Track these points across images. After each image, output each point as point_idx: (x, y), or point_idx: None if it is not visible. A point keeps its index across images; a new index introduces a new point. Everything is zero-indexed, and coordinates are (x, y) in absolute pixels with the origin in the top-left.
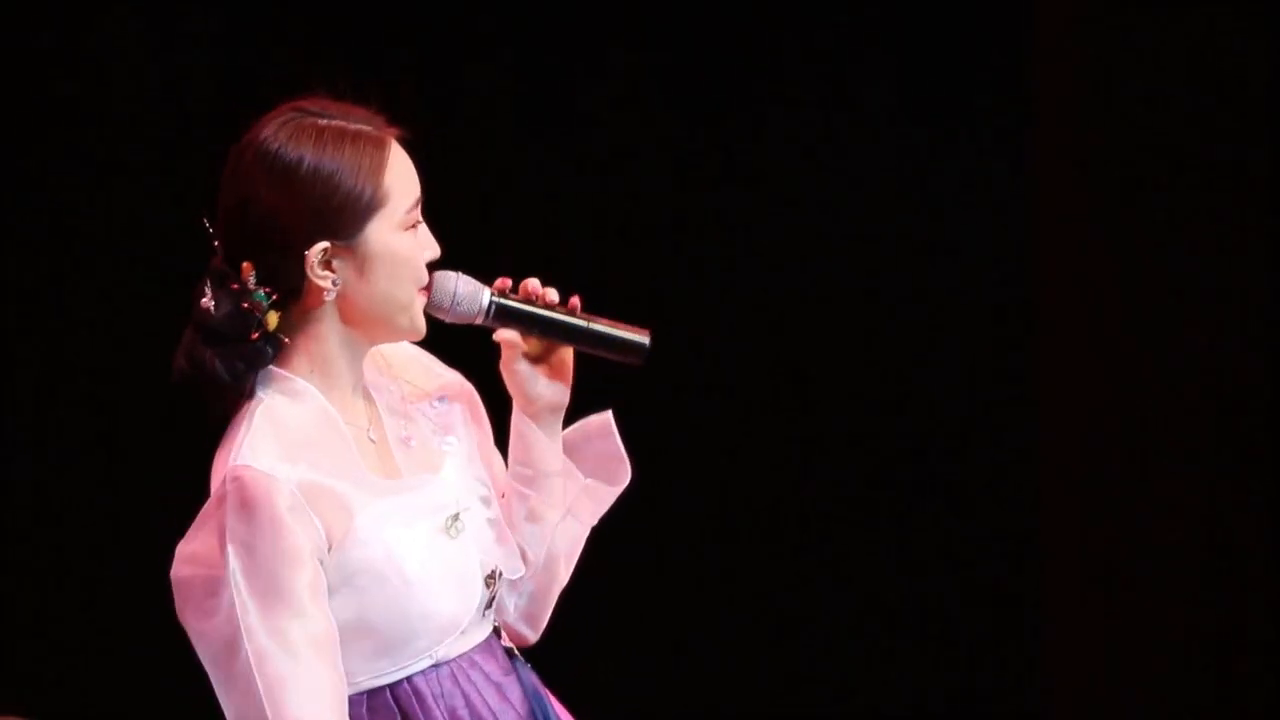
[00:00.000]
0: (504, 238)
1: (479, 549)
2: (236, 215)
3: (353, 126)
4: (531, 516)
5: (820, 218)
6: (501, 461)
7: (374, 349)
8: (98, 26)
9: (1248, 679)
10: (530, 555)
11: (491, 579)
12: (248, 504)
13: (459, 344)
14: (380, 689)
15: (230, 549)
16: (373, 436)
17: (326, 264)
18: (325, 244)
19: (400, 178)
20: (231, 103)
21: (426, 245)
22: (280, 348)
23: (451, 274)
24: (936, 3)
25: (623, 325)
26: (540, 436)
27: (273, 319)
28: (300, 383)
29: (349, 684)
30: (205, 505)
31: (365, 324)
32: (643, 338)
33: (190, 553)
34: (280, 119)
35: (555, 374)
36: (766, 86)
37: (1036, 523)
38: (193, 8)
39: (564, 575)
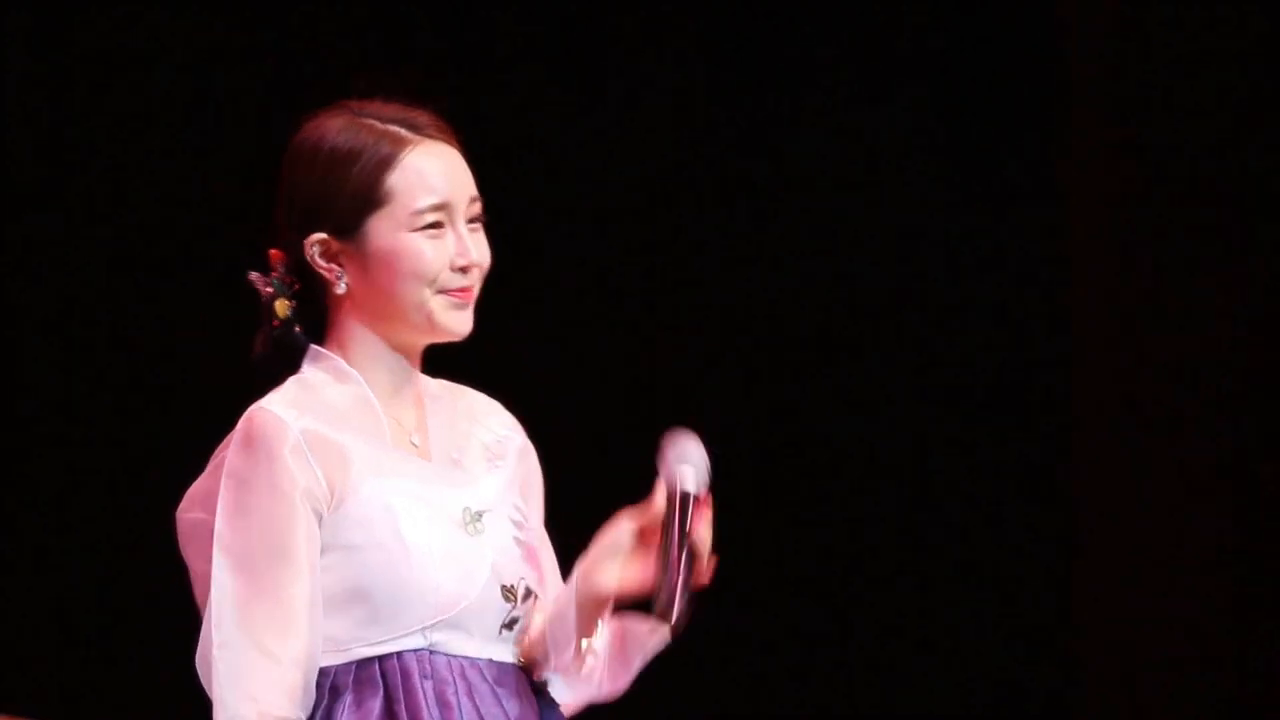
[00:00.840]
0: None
1: (499, 555)
2: (276, 202)
3: (381, 125)
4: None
5: (847, 215)
6: (542, 531)
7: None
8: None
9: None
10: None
11: (511, 593)
12: (251, 440)
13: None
14: (370, 660)
15: (224, 481)
16: (415, 441)
17: (333, 258)
18: (322, 235)
19: (413, 179)
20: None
21: (455, 251)
22: (297, 335)
23: (697, 452)
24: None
25: (684, 597)
26: (571, 609)
27: (280, 307)
28: (346, 366)
29: (340, 650)
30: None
31: (385, 321)
32: (671, 615)
33: (196, 495)
34: (327, 112)
35: (625, 568)
36: (795, 99)
37: (1069, 525)
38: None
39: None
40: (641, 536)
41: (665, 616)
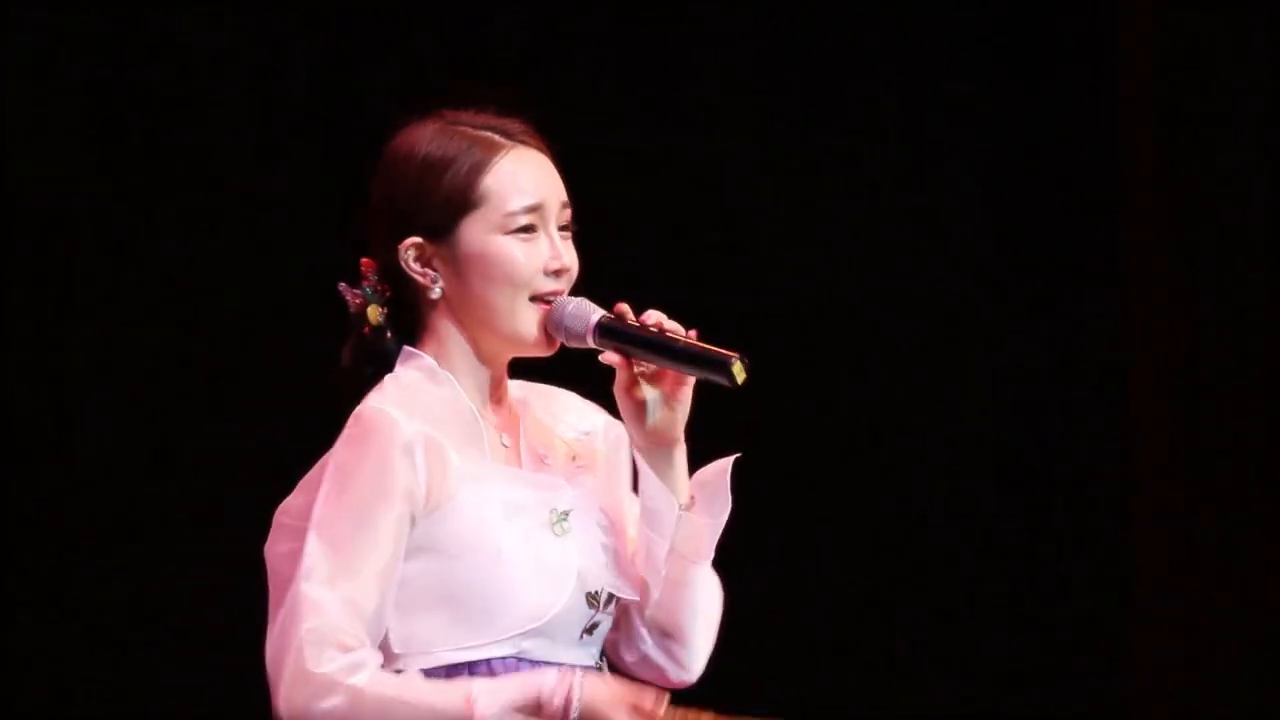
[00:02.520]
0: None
1: (584, 559)
2: (368, 211)
3: (474, 131)
4: (647, 551)
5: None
6: (635, 505)
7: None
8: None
9: None
10: (653, 591)
11: (595, 600)
12: (363, 435)
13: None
14: (461, 665)
15: (329, 473)
16: (505, 442)
17: (427, 262)
18: (418, 239)
19: (507, 181)
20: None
21: (548, 255)
22: (389, 342)
23: (572, 297)
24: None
25: (715, 348)
26: (646, 469)
27: (373, 313)
28: (438, 367)
29: (427, 653)
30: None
31: (476, 328)
32: (727, 356)
33: (292, 508)
34: (423, 120)
35: (666, 405)
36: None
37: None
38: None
39: (692, 611)
40: (633, 391)
41: (721, 366)
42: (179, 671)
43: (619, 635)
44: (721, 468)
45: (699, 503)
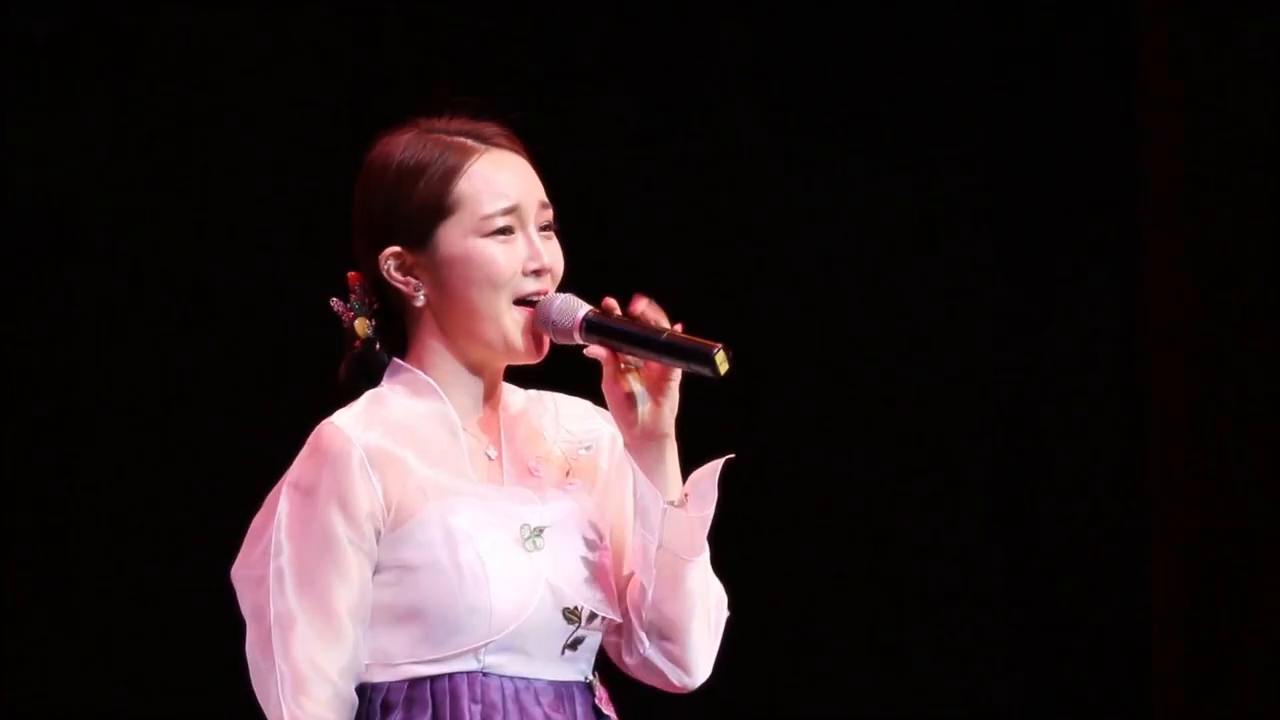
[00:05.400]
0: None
1: (560, 576)
2: (351, 224)
3: (448, 137)
4: (643, 552)
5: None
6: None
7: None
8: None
9: None
10: (649, 592)
11: (574, 616)
12: (318, 455)
13: None
14: (423, 680)
15: (285, 491)
16: (491, 454)
17: (408, 270)
18: (397, 248)
19: (480, 185)
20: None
21: (527, 255)
22: (379, 354)
23: (559, 294)
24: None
25: (698, 341)
26: (636, 467)
27: (360, 326)
28: (424, 378)
29: (390, 666)
30: None
31: (462, 336)
32: (710, 348)
33: (254, 559)
34: (398, 130)
35: (653, 398)
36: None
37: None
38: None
39: (687, 609)
40: (620, 384)
41: (705, 358)
42: (178, 671)
43: (620, 639)
44: (712, 467)
45: (691, 500)
